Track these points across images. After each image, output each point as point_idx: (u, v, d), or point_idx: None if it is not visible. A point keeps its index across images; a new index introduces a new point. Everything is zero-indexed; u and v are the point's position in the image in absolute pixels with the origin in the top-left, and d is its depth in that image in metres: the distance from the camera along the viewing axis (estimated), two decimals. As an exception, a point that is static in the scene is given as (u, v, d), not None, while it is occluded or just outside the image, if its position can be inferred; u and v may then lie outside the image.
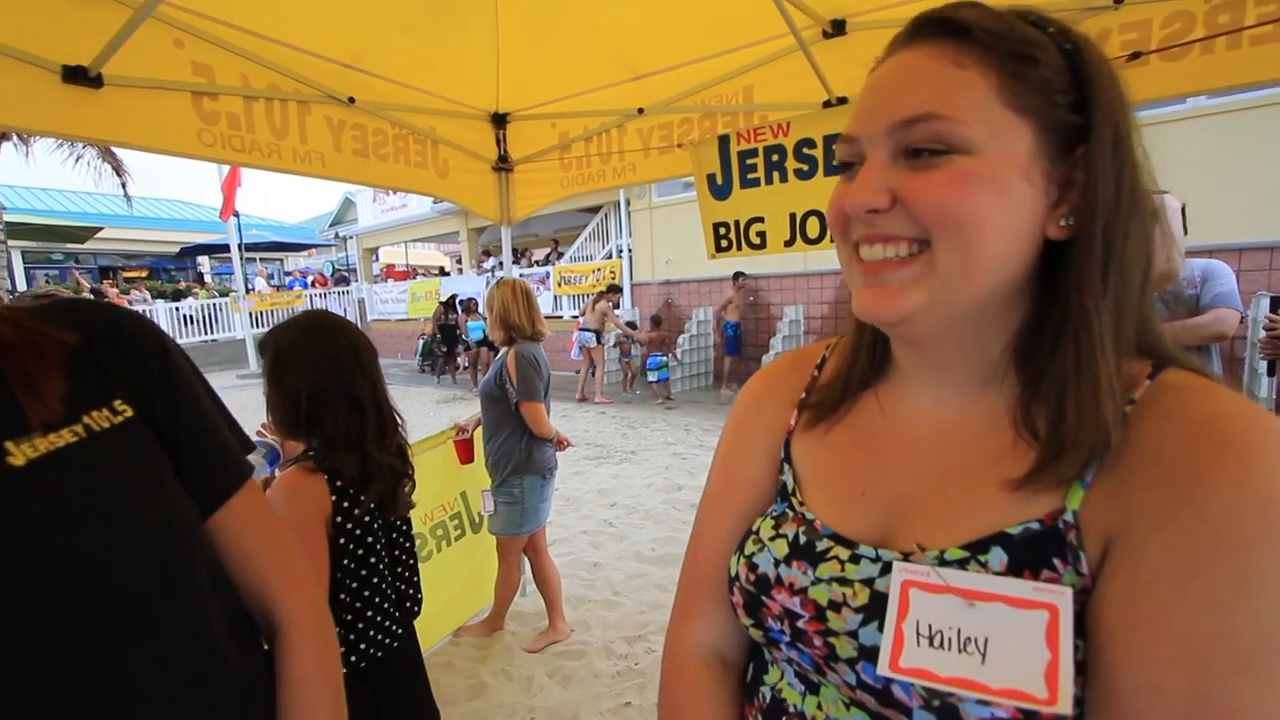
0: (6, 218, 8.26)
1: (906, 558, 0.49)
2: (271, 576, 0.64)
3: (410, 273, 18.33)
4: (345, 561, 1.20)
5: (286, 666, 0.63)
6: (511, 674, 2.51)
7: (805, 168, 2.25)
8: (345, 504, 1.20)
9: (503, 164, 2.95)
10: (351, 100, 2.29)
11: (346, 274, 19.77)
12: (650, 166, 2.68)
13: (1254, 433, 0.41)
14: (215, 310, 15.36)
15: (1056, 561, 0.44)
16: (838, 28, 2.12)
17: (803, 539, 0.55)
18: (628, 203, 11.02)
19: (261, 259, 21.19)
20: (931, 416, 0.54)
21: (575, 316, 10.46)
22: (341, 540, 1.20)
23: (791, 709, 0.55)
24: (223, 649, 0.56)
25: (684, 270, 10.27)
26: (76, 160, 9.93)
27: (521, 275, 5.98)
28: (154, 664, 0.50)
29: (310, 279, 18.99)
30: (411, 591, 1.37)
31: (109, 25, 1.58)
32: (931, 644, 0.45)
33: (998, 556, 0.46)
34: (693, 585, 0.65)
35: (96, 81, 1.65)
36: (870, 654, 0.48)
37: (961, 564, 0.47)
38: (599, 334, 8.89)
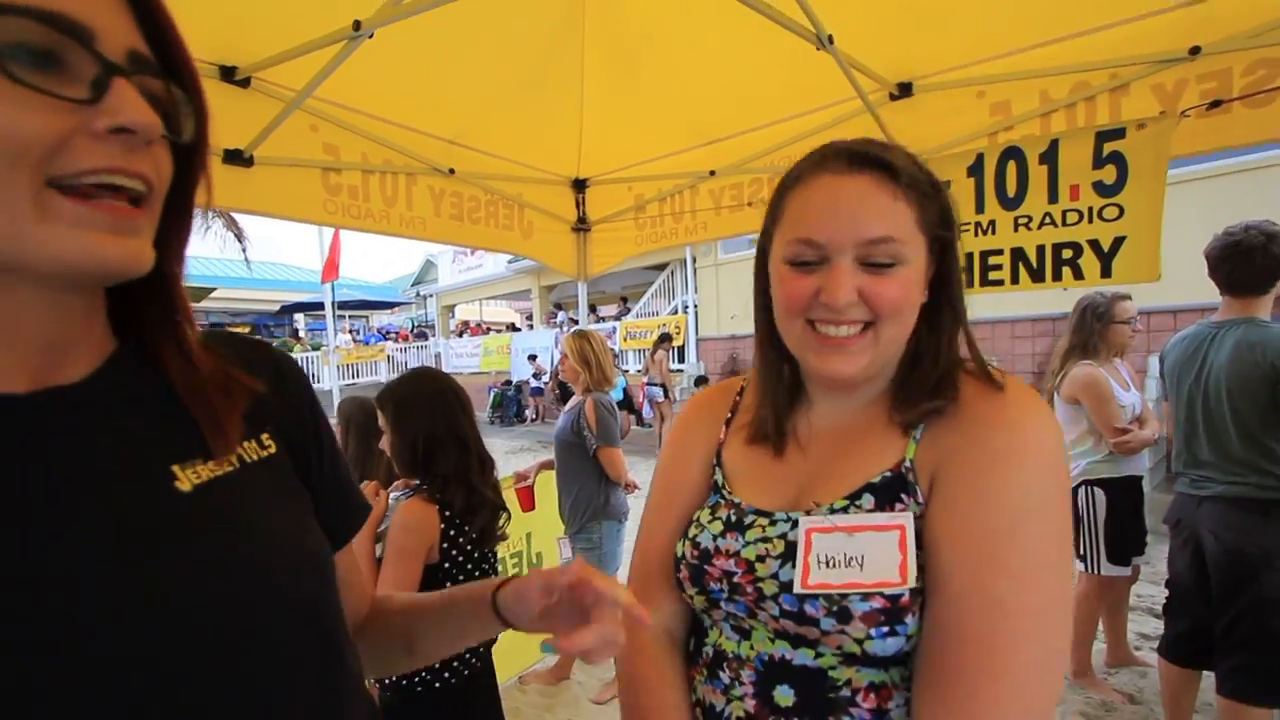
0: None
1: (808, 514, 0.68)
2: (367, 601, 0.68)
3: (483, 328, 19.21)
4: (447, 585, 1.30)
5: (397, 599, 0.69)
6: (580, 723, 2.50)
7: (874, 222, 2.31)
8: (452, 532, 1.33)
9: (581, 225, 3.16)
10: (452, 171, 2.54)
11: (425, 329, 20.92)
12: (720, 224, 2.80)
13: (1024, 398, 0.65)
14: (306, 363, 16.55)
15: (904, 495, 0.65)
16: (904, 90, 2.21)
17: (733, 517, 0.73)
18: (694, 260, 11.28)
19: (350, 316, 22.78)
20: (835, 422, 0.75)
21: (638, 371, 10.62)
22: (446, 565, 1.31)
23: (730, 655, 0.70)
24: (353, 700, 0.52)
25: (749, 325, 10.28)
26: (207, 230, 11.23)
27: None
28: (282, 703, 0.45)
29: (395, 334, 20.21)
30: None
31: (264, 114, 1.87)
32: (828, 566, 0.63)
33: (868, 499, 0.66)
34: (645, 575, 0.80)
35: (249, 162, 1.93)
36: (787, 586, 0.65)
37: (845, 509, 0.66)
38: (665, 388, 8.98)
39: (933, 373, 0.68)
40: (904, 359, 0.71)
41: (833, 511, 0.66)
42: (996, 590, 0.57)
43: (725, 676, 0.70)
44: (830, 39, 1.67)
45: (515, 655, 2.81)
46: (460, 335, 18.48)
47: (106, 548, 0.39)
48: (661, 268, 12.70)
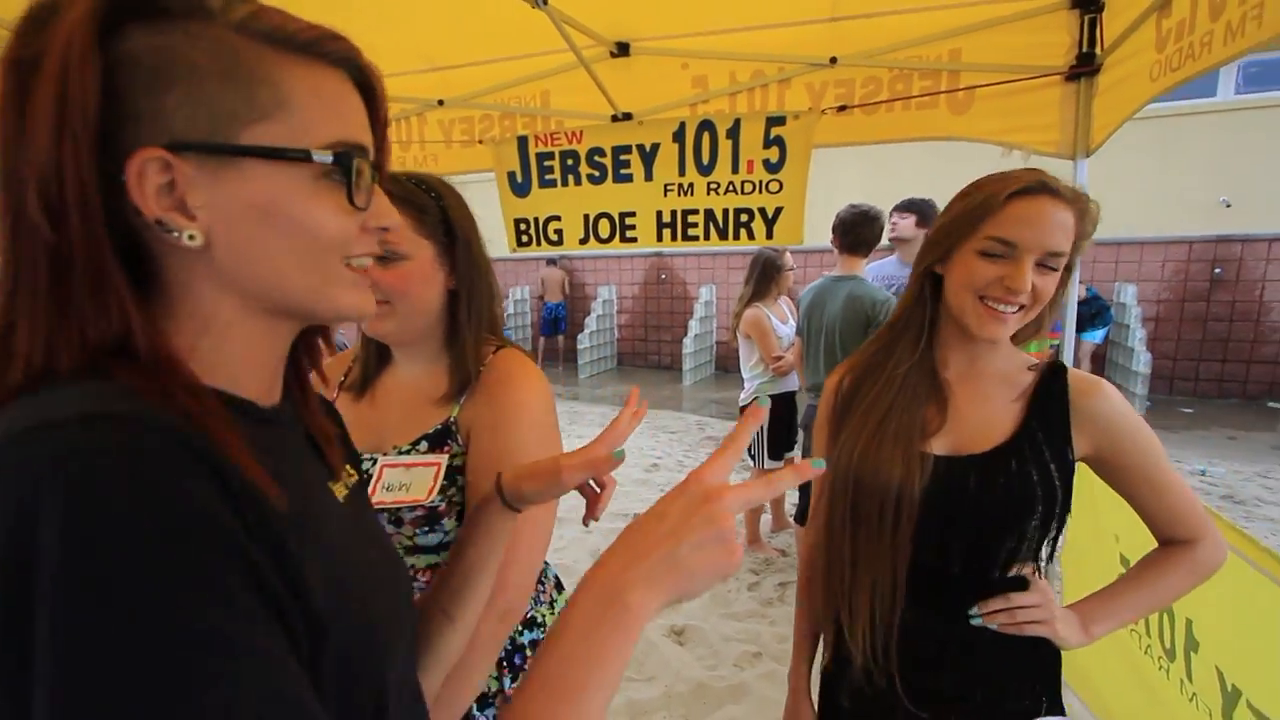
0: None
1: (385, 455, 0.96)
2: None
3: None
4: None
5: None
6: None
7: (596, 174, 2.48)
8: None
9: (288, 140, 2.77)
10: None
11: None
12: (451, 159, 2.72)
13: (521, 372, 0.96)
14: None
15: (449, 443, 0.95)
16: (623, 49, 2.36)
17: None
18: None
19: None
20: (409, 379, 1.02)
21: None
22: None
23: None
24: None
25: (492, 250, 10.15)
26: None
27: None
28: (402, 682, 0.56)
29: None
30: None
31: None
32: (389, 490, 0.92)
33: (425, 444, 0.96)
34: None
35: None
36: None
37: (409, 451, 0.95)
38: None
39: (465, 352, 0.96)
40: (446, 330, 0.98)
41: (401, 453, 0.96)
42: None
43: None
44: (544, 0, 1.70)
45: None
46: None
47: (349, 531, 0.52)
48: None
